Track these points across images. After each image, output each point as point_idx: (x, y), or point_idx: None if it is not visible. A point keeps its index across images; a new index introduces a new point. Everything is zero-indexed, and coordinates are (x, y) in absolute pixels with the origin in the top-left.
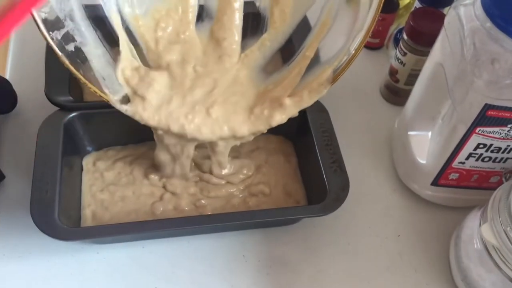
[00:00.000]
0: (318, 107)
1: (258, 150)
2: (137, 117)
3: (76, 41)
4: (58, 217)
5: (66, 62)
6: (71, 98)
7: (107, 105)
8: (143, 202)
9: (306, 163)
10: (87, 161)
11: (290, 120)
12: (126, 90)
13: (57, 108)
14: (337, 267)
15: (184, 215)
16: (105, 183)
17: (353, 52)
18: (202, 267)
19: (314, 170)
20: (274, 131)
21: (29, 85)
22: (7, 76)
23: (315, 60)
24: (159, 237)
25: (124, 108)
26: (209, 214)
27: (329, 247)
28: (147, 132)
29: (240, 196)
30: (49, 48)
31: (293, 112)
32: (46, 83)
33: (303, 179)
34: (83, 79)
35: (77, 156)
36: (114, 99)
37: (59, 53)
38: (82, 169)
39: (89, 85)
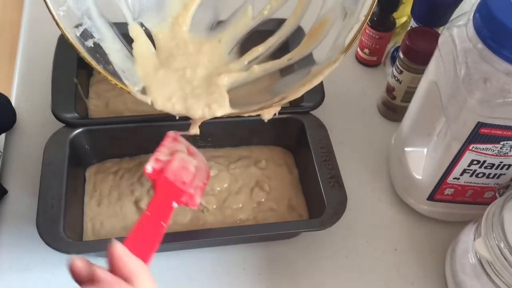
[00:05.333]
0: (316, 122)
1: (266, 162)
2: (156, 106)
3: (95, 38)
4: (64, 230)
5: (87, 57)
6: (76, 115)
7: (110, 121)
8: (130, 219)
9: (306, 177)
10: (90, 173)
11: (290, 132)
12: (144, 83)
13: (61, 125)
14: (336, 281)
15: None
16: (101, 196)
17: (363, 18)
18: (202, 280)
19: (313, 184)
20: (275, 142)
21: (34, 103)
22: (13, 94)
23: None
24: (160, 251)
25: (144, 98)
26: (210, 228)
27: (328, 261)
28: (143, 146)
29: (251, 213)
30: (56, 66)
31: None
32: (53, 101)
33: (303, 192)
34: (103, 73)
35: (81, 168)
36: (134, 90)
37: (79, 48)
38: (85, 181)
39: (109, 77)
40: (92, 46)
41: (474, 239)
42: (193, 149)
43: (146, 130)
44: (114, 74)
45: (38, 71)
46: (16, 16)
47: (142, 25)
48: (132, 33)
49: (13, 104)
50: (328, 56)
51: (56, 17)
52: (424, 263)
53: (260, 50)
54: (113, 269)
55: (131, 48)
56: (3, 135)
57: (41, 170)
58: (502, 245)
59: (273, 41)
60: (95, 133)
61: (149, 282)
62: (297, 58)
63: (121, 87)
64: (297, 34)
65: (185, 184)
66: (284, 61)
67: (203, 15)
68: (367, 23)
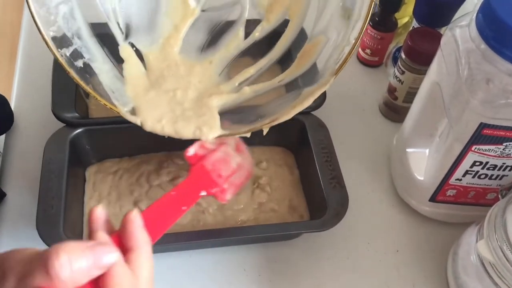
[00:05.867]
0: (317, 123)
1: (266, 162)
2: (145, 128)
3: (85, 58)
4: (63, 231)
5: (76, 77)
6: (77, 114)
7: (111, 121)
8: None
9: (307, 178)
10: (89, 173)
11: (291, 132)
12: (134, 103)
13: (62, 124)
14: (337, 282)
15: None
16: (100, 196)
17: (353, 41)
18: (202, 281)
19: (314, 185)
20: (276, 142)
21: (34, 103)
22: (13, 94)
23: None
24: (161, 251)
25: (133, 119)
26: (211, 229)
27: (329, 262)
28: (142, 146)
29: (252, 214)
30: (56, 67)
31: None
32: (53, 100)
33: (305, 193)
34: (92, 93)
35: (81, 168)
36: (124, 111)
37: (69, 69)
38: (85, 180)
39: (99, 98)
40: (82, 66)
41: (477, 241)
42: (243, 146)
43: (145, 130)
44: (104, 94)
45: (38, 71)
46: (16, 16)
47: (132, 45)
48: (122, 54)
49: (13, 104)
50: (319, 76)
51: (46, 37)
52: (426, 265)
53: (251, 71)
54: (122, 234)
55: (121, 68)
56: (3, 135)
57: (41, 170)
58: (504, 247)
59: (264, 63)
60: (95, 133)
61: (147, 259)
62: (288, 79)
63: (111, 107)
64: (302, 41)
65: (220, 177)
66: (275, 82)
67: (194, 37)
68: (369, 23)
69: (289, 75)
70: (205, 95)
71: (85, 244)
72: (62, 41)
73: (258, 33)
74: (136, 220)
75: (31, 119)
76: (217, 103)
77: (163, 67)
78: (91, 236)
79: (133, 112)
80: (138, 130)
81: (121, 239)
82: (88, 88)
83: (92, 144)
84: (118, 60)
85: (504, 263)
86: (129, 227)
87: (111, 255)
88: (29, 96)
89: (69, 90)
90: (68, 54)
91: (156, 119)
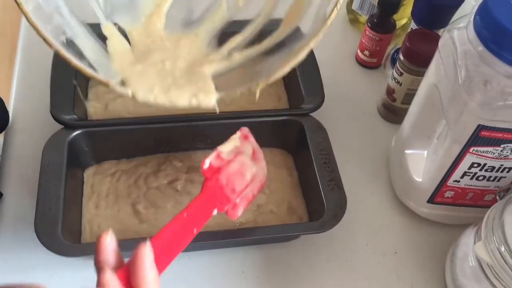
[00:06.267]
0: (316, 125)
1: (266, 164)
2: (137, 99)
3: (67, 34)
4: (62, 233)
5: (61, 51)
6: (75, 116)
7: (109, 123)
8: (127, 222)
9: (305, 179)
10: (88, 174)
11: (289, 134)
12: (122, 76)
13: (60, 126)
14: (335, 283)
15: None
16: (99, 198)
17: None
18: (201, 282)
19: (312, 187)
20: (275, 144)
21: (32, 104)
22: (12, 95)
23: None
24: None
25: (124, 90)
26: (210, 231)
27: (327, 264)
28: (140, 148)
29: (251, 216)
30: (54, 68)
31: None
32: (52, 102)
33: (303, 194)
34: (78, 66)
35: (80, 170)
36: (112, 83)
37: (53, 42)
38: (83, 182)
39: (84, 71)
40: (65, 42)
41: (475, 243)
42: (259, 153)
43: (144, 132)
44: (90, 69)
45: (37, 72)
46: (16, 16)
47: (115, 24)
48: (105, 32)
49: (12, 105)
50: (312, 29)
51: (25, 10)
52: (424, 266)
53: (238, 39)
54: (130, 268)
55: (106, 45)
56: (2, 137)
57: (40, 172)
58: (502, 248)
59: (250, 30)
60: (94, 135)
61: None
62: (278, 39)
63: (100, 80)
64: None
65: (234, 192)
66: (265, 45)
67: (178, 12)
68: (367, 25)
69: (278, 36)
70: (195, 64)
71: None
72: (42, 15)
73: (241, 2)
74: (146, 257)
75: (29, 121)
76: (209, 71)
77: (148, 42)
78: (99, 273)
79: (122, 83)
80: (136, 132)
81: (129, 273)
82: (74, 62)
83: (90, 146)
84: (101, 38)
85: (502, 265)
86: (138, 264)
87: None
88: (27, 98)
89: (67, 92)
90: (49, 30)
91: (147, 89)
